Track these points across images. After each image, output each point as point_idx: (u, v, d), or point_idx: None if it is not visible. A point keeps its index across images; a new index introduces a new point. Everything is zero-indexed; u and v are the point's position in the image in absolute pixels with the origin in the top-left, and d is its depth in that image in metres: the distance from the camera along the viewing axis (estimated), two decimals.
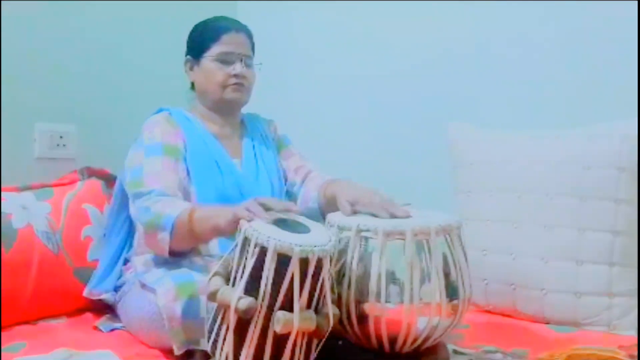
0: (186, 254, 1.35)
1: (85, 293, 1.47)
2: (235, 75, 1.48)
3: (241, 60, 1.48)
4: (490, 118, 1.75)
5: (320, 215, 1.44)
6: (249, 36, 1.53)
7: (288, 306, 0.96)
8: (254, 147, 1.57)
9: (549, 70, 1.71)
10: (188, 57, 1.54)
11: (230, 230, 1.14)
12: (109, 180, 1.67)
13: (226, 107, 1.53)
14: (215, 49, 1.48)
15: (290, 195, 1.58)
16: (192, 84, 1.56)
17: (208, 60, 1.49)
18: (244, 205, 1.10)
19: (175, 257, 1.33)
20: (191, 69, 1.53)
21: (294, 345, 0.98)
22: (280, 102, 2.04)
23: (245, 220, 1.04)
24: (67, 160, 1.75)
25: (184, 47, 1.57)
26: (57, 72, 1.77)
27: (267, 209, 1.09)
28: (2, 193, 1.48)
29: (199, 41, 1.51)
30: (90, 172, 1.66)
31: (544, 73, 1.72)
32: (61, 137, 1.78)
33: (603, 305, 1.40)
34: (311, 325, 0.98)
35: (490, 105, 1.80)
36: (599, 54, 1.64)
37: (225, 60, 1.48)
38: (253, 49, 1.55)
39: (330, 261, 1.01)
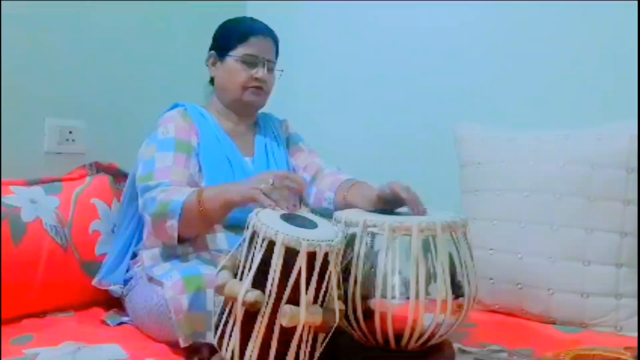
0: (193, 245, 1.36)
1: (94, 282, 1.48)
2: (257, 79, 1.49)
3: (264, 65, 1.50)
4: (498, 117, 1.75)
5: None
6: (275, 42, 1.55)
7: (295, 300, 0.97)
8: (266, 145, 1.58)
9: (557, 69, 1.72)
10: (212, 52, 1.55)
11: (242, 204, 1.21)
12: (118, 175, 1.68)
13: (243, 107, 1.54)
14: (241, 50, 1.49)
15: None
16: (212, 79, 1.57)
17: (232, 59, 1.50)
18: (263, 188, 1.15)
19: (184, 244, 1.35)
20: (214, 64, 1.55)
21: (300, 339, 0.99)
22: (286, 101, 2.03)
23: (253, 214, 1.05)
24: (76, 155, 1.76)
25: (192, 44, 1.58)
26: (67, 68, 1.78)
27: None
28: (11, 187, 1.49)
29: (226, 39, 1.52)
30: (99, 167, 1.68)
31: (552, 72, 1.72)
32: (70, 132, 1.79)
33: (610, 306, 1.40)
34: (317, 320, 0.98)
35: (498, 105, 1.80)
36: (608, 54, 1.64)
37: (249, 62, 1.49)
38: (277, 54, 1.56)
39: (337, 256, 1.02)
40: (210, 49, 1.56)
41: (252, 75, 1.49)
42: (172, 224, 1.29)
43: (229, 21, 1.57)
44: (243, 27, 1.53)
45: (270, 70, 1.53)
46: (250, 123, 1.60)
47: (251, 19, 1.58)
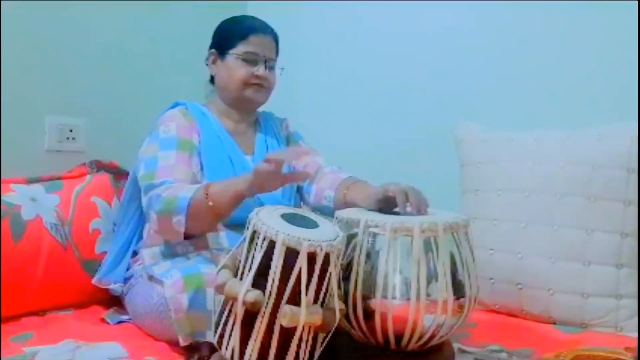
0: (194, 244, 1.36)
1: (94, 281, 1.48)
2: (258, 76, 1.50)
3: (265, 63, 1.50)
4: (498, 118, 1.74)
5: (333, 214, 1.44)
6: (275, 40, 1.56)
7: (295, 300, 0.97)
8: (266, 144, 1.58)
9: (557, 69, 1.72)
10: (212, 50, 1.55)
11: (251, 194, 1.24)
12: (118, 173, 1.68)
13: (244, 105, 1.55)
14: (241, 48, 1.49)
15: (301, 191, 1.59)
16: (212, 77, 1.57)
17: (233, 57, 1.50)
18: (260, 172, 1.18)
19: (185, 243, 1.35)
20: (214, 62, 1.55)
21: (300, 339, 0.99)
22: (287, 101, 2.03)
23: (254, 213, 1.04)
24: (77, 153, 1.76)
25: (193, 43, 1.58)
26: (67, 67, 1.78)
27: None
28: (12, 185, 1.49)
29: (227, 37, 1.52)
30: (99, 166, 1.67)
31: (553, 73, 1.72)
32: (71, 130, 1.79)
33: (610, 306, 1.40)
34: (317, 320, 0.98)
35: (499, 105, 1.80)
36: (608, 54, 1.64)
37: (249, 60, 1.50)
38: (277, 52, 1.57)
39: (338, 256, 1.02)
40: (211, 48, 1.56)
41: (253, 72, 1.50)
42: (179, 220, 1.29)
43: (229, 19, 1.57)
44: (243, 25, 1.53)
45: (271, 68, 1.53)
46: (250, 121, 1.60)
47: (251, 17, 1.59)
